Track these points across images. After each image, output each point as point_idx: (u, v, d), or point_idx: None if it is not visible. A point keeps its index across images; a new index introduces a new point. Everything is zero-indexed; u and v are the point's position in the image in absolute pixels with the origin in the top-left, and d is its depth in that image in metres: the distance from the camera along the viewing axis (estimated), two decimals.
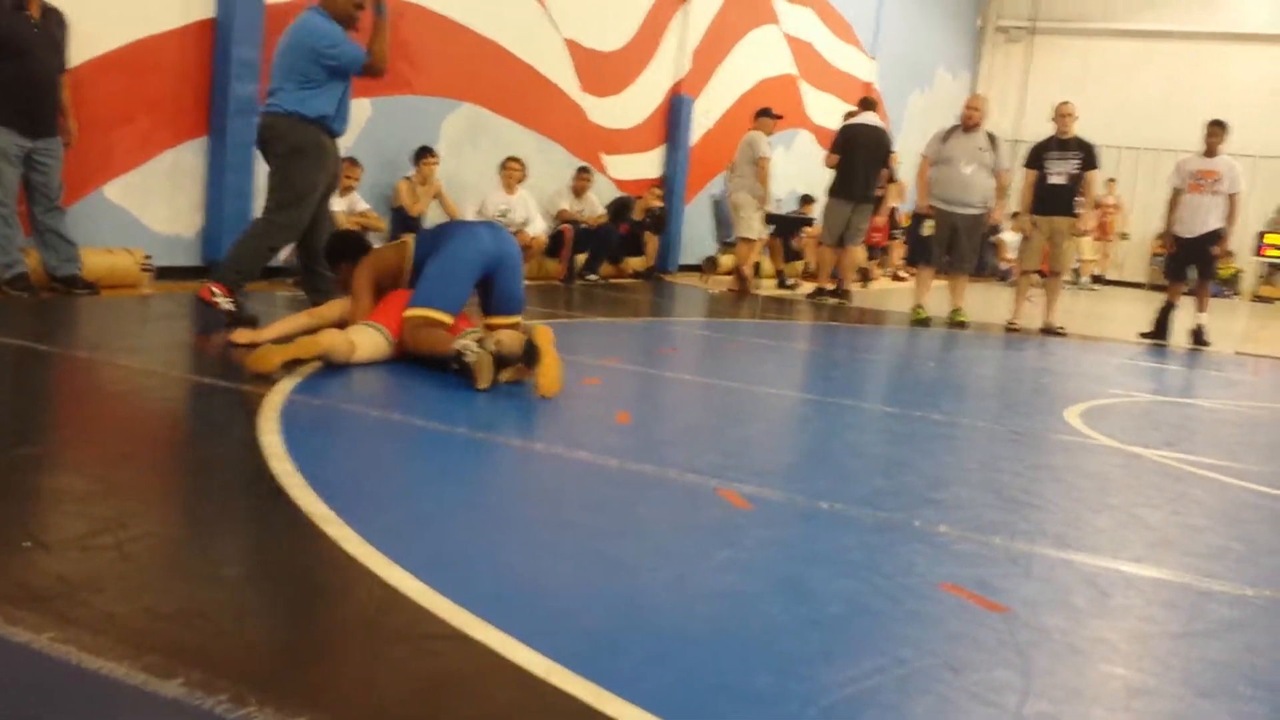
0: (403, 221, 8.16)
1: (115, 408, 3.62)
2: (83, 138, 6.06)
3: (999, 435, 4.40)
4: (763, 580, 2.36)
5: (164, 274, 6.73)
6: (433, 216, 8.51)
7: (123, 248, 6.44)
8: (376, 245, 5.22)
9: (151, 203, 6.76)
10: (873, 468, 3.60)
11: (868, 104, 10.79)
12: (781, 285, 12.14)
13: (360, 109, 8.01)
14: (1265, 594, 2.56)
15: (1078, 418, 4.91)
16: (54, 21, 5.77)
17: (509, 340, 4.18)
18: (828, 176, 10.49)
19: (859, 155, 10.08)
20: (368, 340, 4.38)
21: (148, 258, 6.50)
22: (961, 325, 8.83)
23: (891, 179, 11.42)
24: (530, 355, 4.12)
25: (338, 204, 7.42)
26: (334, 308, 4.81)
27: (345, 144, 7.86)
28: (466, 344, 4.17)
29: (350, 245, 5.01)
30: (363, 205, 7.79)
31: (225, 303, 5.07)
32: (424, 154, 8.35)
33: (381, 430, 3.53)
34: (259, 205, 7.23)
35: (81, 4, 6.05)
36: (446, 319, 4.41)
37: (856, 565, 2.50)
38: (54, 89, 5.79)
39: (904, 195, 15.25)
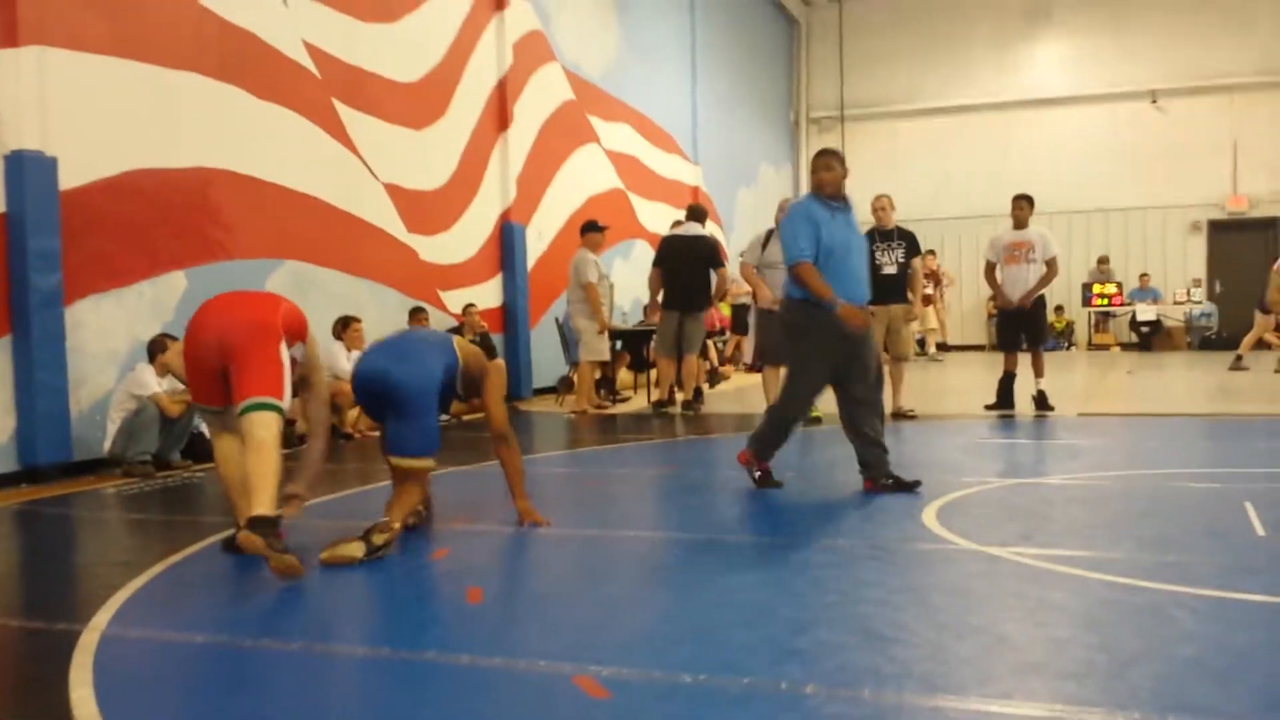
0: None
1: None
2: None
3: (858, 554, 4.34)
4: None
5: None
6: None
7: None
8: None
9: None
10: (734, 619, 3.46)
11: (694, 213, 10.92)
12: (613, 400, 11.70)
13: (174, 282, 7.71)
14: (1134, 718, 2.51)
15: (934, 519, 4.91)
16: None
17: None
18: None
19: (678, 265, 10.21)
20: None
21: None
22: (817, 422, 8.90)
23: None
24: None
25: (158, 385, 7.06)
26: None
27: (164, 320, 7.56)
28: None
29: None
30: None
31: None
32: None
33: (207, 660, 3.23)
34: (76, 397, 6.89)
35: None
36: None
37: None
38: None
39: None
